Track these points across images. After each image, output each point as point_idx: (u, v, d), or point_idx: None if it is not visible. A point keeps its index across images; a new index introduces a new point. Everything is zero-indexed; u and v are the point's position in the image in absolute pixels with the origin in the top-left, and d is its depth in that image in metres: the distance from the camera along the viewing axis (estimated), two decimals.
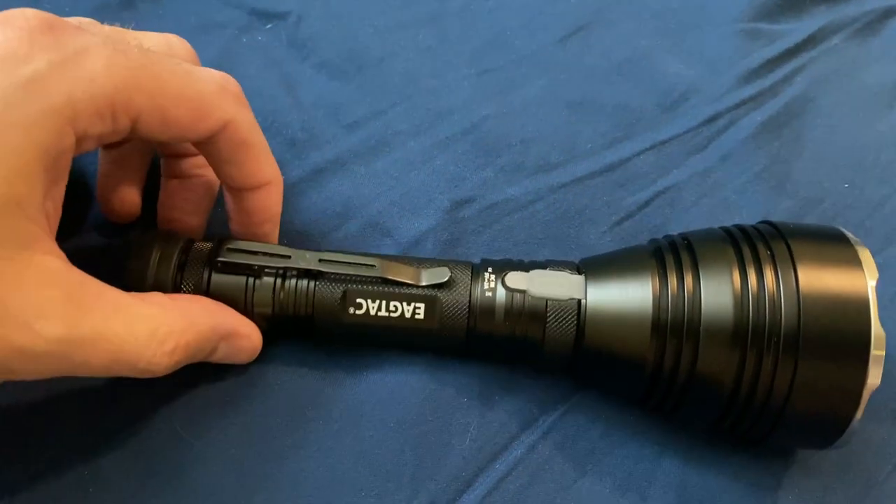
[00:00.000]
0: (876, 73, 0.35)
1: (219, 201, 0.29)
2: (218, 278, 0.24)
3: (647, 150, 0.33)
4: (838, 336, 0.20)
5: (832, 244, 0.22)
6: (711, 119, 0.33)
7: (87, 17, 0.35)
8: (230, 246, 0.25)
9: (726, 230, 0.24)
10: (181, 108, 0.22)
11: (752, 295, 0.21)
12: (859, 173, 0.32)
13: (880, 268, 0.29)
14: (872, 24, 0.37)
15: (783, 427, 0.21)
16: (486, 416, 0.26)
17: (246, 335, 0.25)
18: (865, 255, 0.21)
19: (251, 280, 0.24)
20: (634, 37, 0.36)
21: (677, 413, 0.23)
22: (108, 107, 0.20)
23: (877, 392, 0.26)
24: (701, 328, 0.21)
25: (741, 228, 0.23)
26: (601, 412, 0.26)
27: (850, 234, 0.22)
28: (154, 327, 0.21)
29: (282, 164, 0.31)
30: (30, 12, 0.20)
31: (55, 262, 0.20)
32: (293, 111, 0.33)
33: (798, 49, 0.36)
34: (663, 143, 0.33)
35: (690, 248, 0.23)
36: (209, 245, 0.25)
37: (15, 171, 0.19)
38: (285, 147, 0.32)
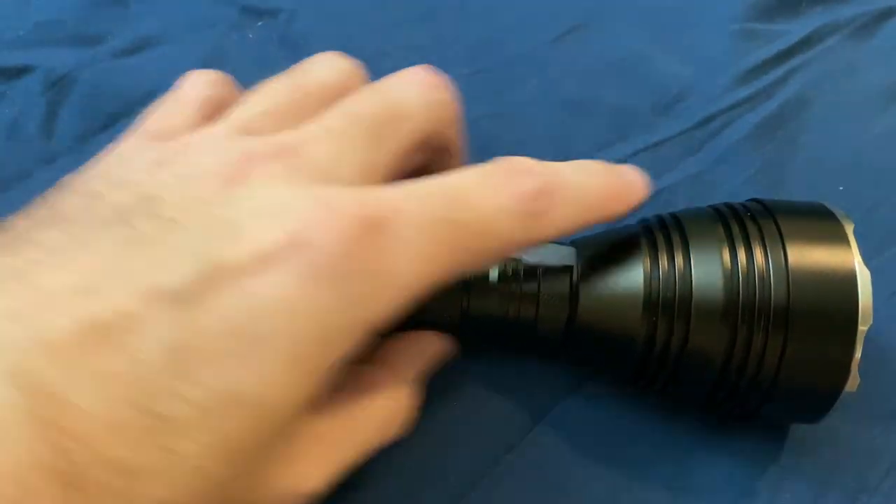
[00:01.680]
0: (872, 75, 0.35)
1: None
2: None
3: (641, 151, 0.32)
4: (827, 310, 0.21)
5: (820, 220, 0.22)
6: (706, 120, 0.33)
7: (79, 14, 0.35)
8: None
9: (715, 208, 0.24)
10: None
11: (741, 271, 0.21)
12: (855, 176, 0.32)
13: (876, 271, 0.29)
14: (869, 25, 0.37)
15: (774, 401, 0.22)
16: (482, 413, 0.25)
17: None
18: (852, 230, 0.22)
19: None
20: (629, 37, 0.36)
21: (668, 390, 0.23)
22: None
23: (871, 393, 0.26)
24: (692, 305, 0.21)
25: (730, 206, 0.24)
26: (600, 409, 0.26)
27: (837, 210, 0.23)
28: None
29: None
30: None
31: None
32: None
33: (794, 50, 0.35)
34: (657, 144, 0.33)
35: (680, 226, 0.23)
36: None
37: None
38: None
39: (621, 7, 0.37)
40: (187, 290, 0.15)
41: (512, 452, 0.25)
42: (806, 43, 0.36)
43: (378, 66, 0.36)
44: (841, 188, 0.32)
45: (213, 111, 0.21)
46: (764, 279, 0.21)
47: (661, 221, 0.24)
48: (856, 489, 0.24)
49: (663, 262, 0.22)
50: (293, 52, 0.35)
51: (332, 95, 0.20)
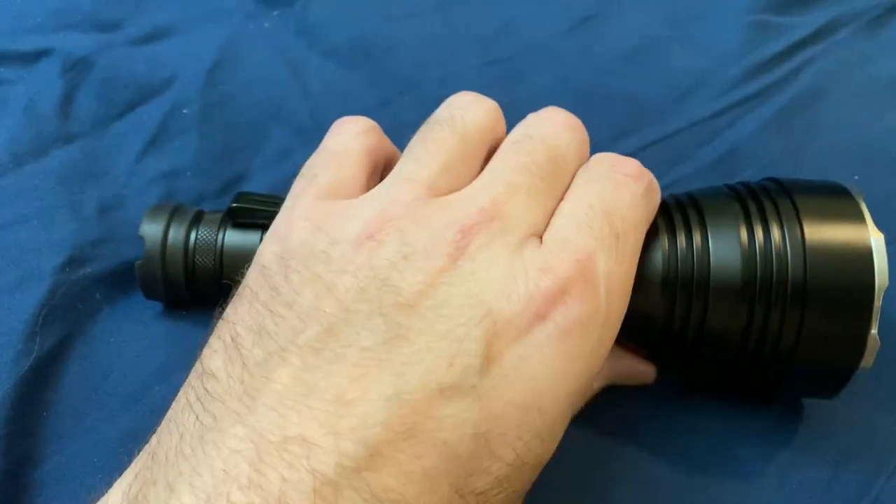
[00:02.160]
0: (884, 66, 0.35)
1: None
2: (231, 235, 0.24)
3: (655, 142, 0.33)
4: (843, 287, 0.21)
5: (836, 198, 0.22)
6: (720, 112, 0.33)
7: (92, 6, 0.35)
8: (242, 195, 0.24)
9: (731, 187, 0.24)
10: None
11: (759, 249, 0.21)
12: (868, 165, 0.32)
13: (891, 259, 0.30)
14: (881, 16, 0.37)
15: (791, 377, 0.22)
16: None
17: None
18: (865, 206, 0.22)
19: (263, 234, 0.24)
20: (643, 27, 0.36)
21: (688, 367, 0.23)
22: None
23: (886, 379, 0.26)
24: (710, 283, 0.21)
25: (746, 185, 0.24)
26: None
27: (853, 188, 0.23)
28: None
29: (289, 152, 0.31)
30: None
31: None
32: (301, 99, 0.33)
33: (807, 41, 0.36)
34: (671, 135, 0.33)
35: (697, 206, 0.23)
36: (220, 213, 0.25)
37: None
38: (293, 134, 0.32)
39: None
40: (468, 380, 0.16)
41: None
42: (819, 34, 0.36)
43: (394, 55, 0.36)
44: (856, 177, 0.32)
45: (376, 163, 0.22)
46: (781, 256, 0.21)
47: (678, 201, 0.24)
48: (871, 474, 0.24)
49: (681, 240, 0.22)
50: (308, 40, 0.35)
51: (489, 138, 0.22)
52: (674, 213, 0.23)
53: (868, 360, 0.21)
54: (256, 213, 0.24)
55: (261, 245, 0.20)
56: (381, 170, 0.24)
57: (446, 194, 0.19)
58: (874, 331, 0.20)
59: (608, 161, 0.22)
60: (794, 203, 0.22)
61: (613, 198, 0.20)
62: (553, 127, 0.22)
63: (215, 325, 0.19)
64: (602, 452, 0.24)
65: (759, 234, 0.22)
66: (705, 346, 0.22)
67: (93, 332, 0.25)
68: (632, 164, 0.22)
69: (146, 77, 0.33)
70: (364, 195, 0.20)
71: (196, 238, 0.25)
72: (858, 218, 0.21)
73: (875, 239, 0.21)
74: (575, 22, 0.36)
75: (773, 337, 0.21)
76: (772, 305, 0.21)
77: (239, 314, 0.18)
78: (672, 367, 0.24)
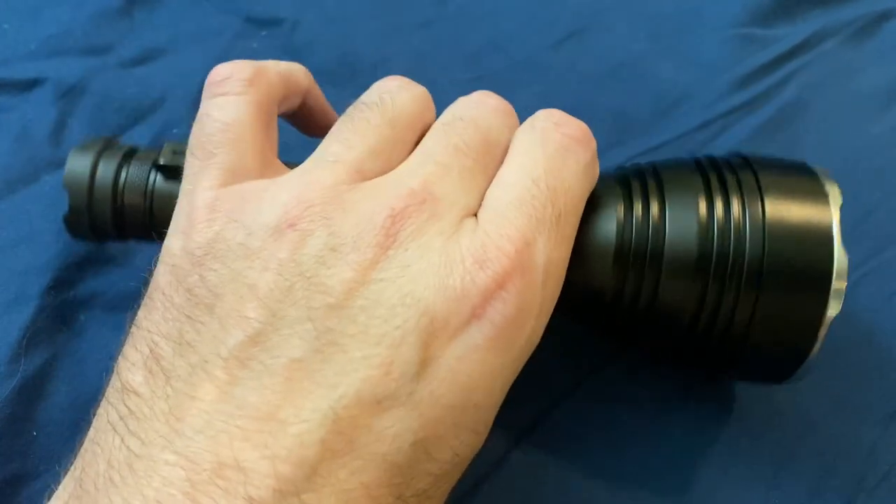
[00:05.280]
0: (870, 77, 0.35)
1: None
2: (163, 184, 0.22)
3: (640, 154, 0.33)
4: (801, 267, 0.20)
5: (800, 176, 0.22)
6: (705, 124, 0.33)
7: (86, 25, 0.36)
8: (176, 148, 0.22)
9: (696, 160, 0.23)
10: None
11: (717, 224, 0.21)
12: (854, 177, 0.32)
13: (875, 272, 0.30)
14: (867, 27, 0.37)
15: (743, 358, 0.21)
16: None
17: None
18: (833, 188, 0.21)
19: None
20: (628, 42, 0.36)
21: (639, 343, 0.23)
22: None
23: (870, 394, 0.26)
24: (664, 257, 0.21)
25: (711, 158, 0.23)
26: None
27: (818, 168, 0.22)
28: None
29: None
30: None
31: None
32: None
33: (792, 53, 0.36)
34: (657, 147, 0.33)
35: (658, 176, 0.22)
36: (154, 151, 0.23)
37: None
38: (281, 152, 0.32)
39: (620, 12, 0.37)
40: (405, 388, 0.16)
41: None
42: (804, 46, 0.36)
43: (381, 72, 0.36)
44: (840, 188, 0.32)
45: (271, 114, 0.21)
46: (740, 233, 0.20)
47: (640, 170, 0.23)
48: (853, 490, 0.24)
49: (637, 211, 0.21)
50: (297, 60, 0.35)
51: (419, 124, 0.21)
52: (632, 183, 0.22)
53: (817, 347, 0.20)
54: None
55: (165, 240, 0.18)
56: (276, 114, 0.22)
57: (373, 179, 0.18)
58: (832, 313, 0.20)
59: (552, 119, 0.20)
60: (757, 179, 0.21)
61: (558, 167, 0.19)
62: (484, 109, 0.21)
63: (128, 330, 0.18)
64: (581, 469, 0.24)
65: (718, 208, 0.21)
66: (656, 323, 0.21)
67: (80, 352, 0.26)
68: (578, 126, 0.20)
69: (137, 99, 0.33)
70: (280, 178, 0.18)
71: (126, 176, 0.23)
72: (822, 198, 0.21)
73: (836, 219, 0.20)
74: (561, 37, 0.36)
75: (726, 315, 0.20)
76: (727, 281, 0.20)
77: (154, 321, 0.17)
78: (620, 343, 0.23)
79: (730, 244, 0.20)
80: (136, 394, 0.16)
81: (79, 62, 0.35)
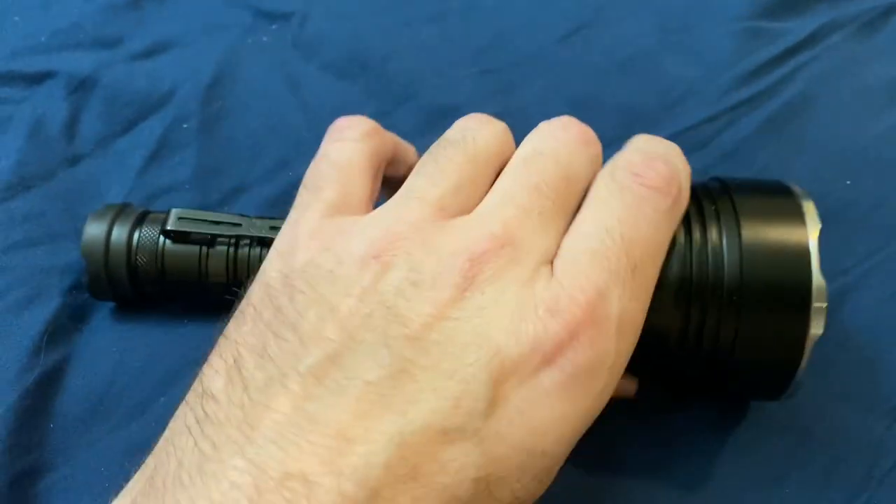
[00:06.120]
0: (877, 71, 0.35)
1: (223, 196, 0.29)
2: (172, 247, 0.25)
3: None
4: (780, 288, 0.20)
5: (776, 198, 0.22)
6: (712, 118, 0.34)
7: (96, 18, 0.36)
8: (181, 215, 0.25)
9: None
10: None
11: (695, 251, 0.21)
12: (861, 170, 0.32)
13: (882, 264, 0.30)
14: (874, 21, 0.37)
15: (733, 378, 0.22)
16: None
17: None
18: (810, 208, 0.21)
19: (204, 249, 0.25)
20: (636, 36, 0.36)
21: (630, 367, 0.23)
22: None
23: (877, 388, 0.26)
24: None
25: (690, 186, 0.23)
26: None
27: (796, 188, 0.22)
28: None
29: (287, 164, 0.32)
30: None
31: None
32: (298, 112, 0.33)
33: (799, 47, 0.36)
34: None
35: None
36: (163, 215, 0.25)
37: None
38: (291, 147, 0.32)
39: (627, 7, 0.37)
40: (472, 423, 0.16)
41: None
42: (811, 40, 0.36)
43: (390, 66, 0.37)
44: (847, 182, 0.32)
45: (378, 167, 0.22)
46: (717, 258, 0.21)
47: None
48: (861, 483, 0.24)
49: None
50: (306, 53, 0.35)
51: (498, 160, 0.21)
52: None
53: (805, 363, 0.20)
54: (191, 236, 0.25)
55: (265, 262, 0.20)
56: (383, 170, 0.23)
57: (455, 216, 0.19)
58: (816, 332, 0.20)
59: (632, 169, 0.20)
60: (733, 203, 0.22)
61: (634, 218, 0.19)
62: (565, 141, 0.21)
63: (216, 341, 0.19)
64: (575, 470, 0.24)
65: (696, 236, 0.21)
66: (643, 347, 0.21)
67: (96, 348, 0.26)
68: (658, 174, 0.20)
69: (147, 92, 0.34)
70: (371, 213, 0.20)
71: (139, 238, 0.25)
72: (798, 218, 0.21)
73: (812, 241, 0.21)
74: (568, 31, 0.36)
75: (710, 338, 0.21)
76: (707, 306, 0.21)
77: (242, 333, 0.18)
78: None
79: (708, 270, 0.21)
80: (215, 399, 0.16)
81: (89, 55, 0.35)
